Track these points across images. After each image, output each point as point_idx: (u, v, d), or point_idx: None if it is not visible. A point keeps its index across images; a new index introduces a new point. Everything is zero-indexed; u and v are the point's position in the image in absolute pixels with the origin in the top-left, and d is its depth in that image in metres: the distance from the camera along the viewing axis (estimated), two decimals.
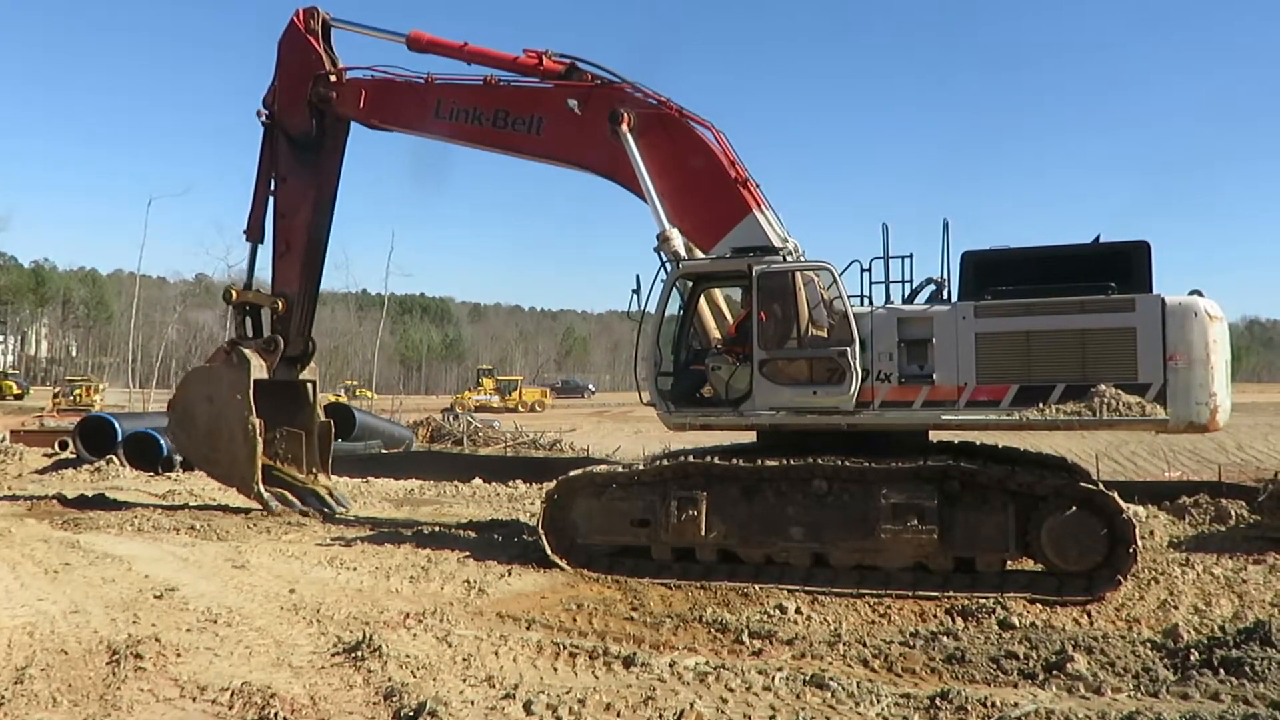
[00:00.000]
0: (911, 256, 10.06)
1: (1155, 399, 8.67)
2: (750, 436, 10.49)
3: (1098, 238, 9.58)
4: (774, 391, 9.60)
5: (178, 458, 20.90)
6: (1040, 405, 8.93)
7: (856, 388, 9.30)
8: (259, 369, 13.36)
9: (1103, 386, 8.74)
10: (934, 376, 9.22)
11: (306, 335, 14.20)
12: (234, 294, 14.21)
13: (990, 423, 9.25)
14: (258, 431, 13.17)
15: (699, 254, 10.71)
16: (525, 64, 12.17)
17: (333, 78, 13.23)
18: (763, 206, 10.73)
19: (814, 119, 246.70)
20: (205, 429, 13.66)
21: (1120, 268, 8.91)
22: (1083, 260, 9.17)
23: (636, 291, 10.26)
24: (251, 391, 13.18)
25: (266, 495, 13.43)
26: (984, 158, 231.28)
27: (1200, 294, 8.89)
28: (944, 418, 9.27)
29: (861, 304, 9.78)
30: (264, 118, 13.71)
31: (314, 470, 14.39)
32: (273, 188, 13.87)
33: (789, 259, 10.13)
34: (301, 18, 13.51)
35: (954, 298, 9.63)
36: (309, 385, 14.52)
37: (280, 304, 13.79)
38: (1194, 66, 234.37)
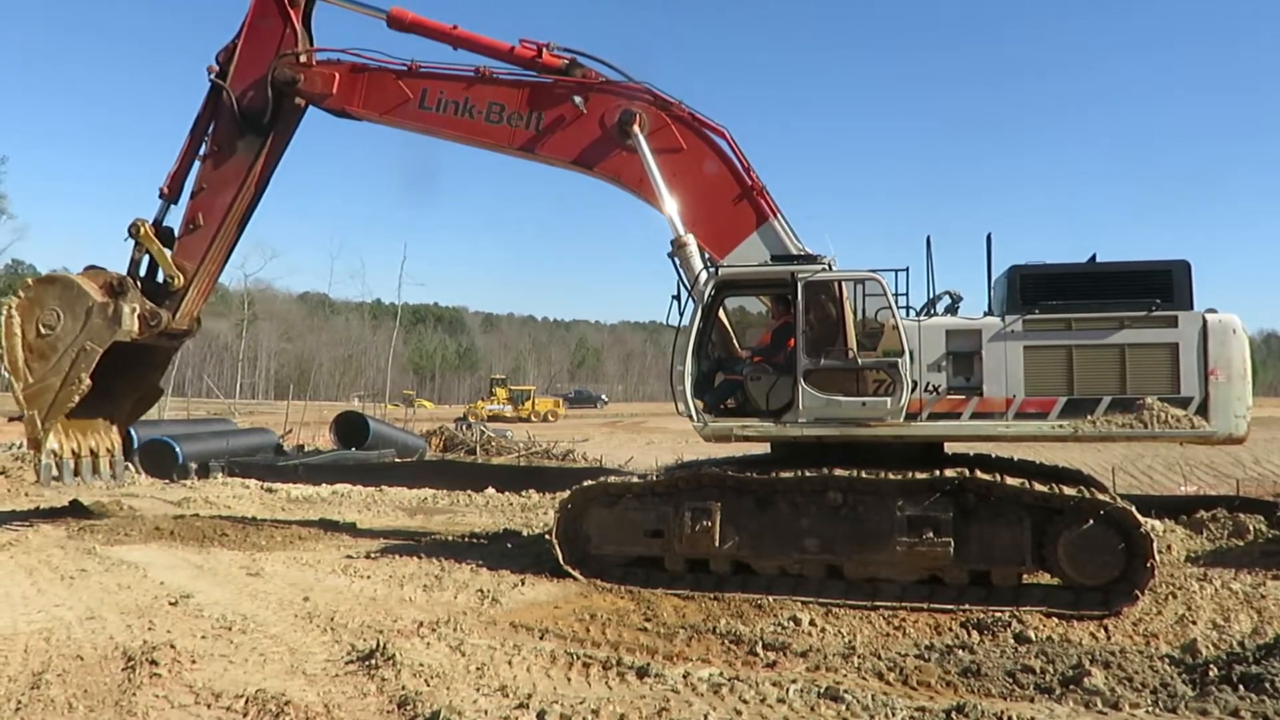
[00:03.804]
0: (933, 270, 10.13)
1: (1197, 412, 8.93)
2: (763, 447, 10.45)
3: (1093, 257, 9.71)
4: (821, 402, 9.51)
5: (192, 465, 21.06)
6: (1089, 417, 9.09)
7: (907, 399, 9.30)
8: (126, 335, 12.18)
9: (1150, 400, 8.96)
10: (983, 389, 9.28)
11: (195, 317, 13.15)
12: (142, 229, 12.64)
13: (1041, 434, 9.31)
14: (80, 390, 12.03)
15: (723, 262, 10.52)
16: (522, 56, 11.46)
17: (301, 58, 12.16)
18: (778, 214, 10.62)
19: (805, 127, 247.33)
20: (40, 341, 12.21)
21: (1162, 285, 9.15)
22: (1127, 277, 9.36)
23: (677, 297, 10.16)
24: (104, 350, 12.10)
25: (47, 458, 12.27)
26: (984, 169, 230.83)
27: (1214, 311, 9.07)
28: (996, 429, 9.33)
29: (907, 315, 9.71)
30: (213, 75, 12.42)
31: (112, 433, 13.35)
32: (202, 153, 12.61)
33: (832, 268, 9.94)
34: None
35: (993, 310, 9.69)
36: (169, 355, 13.86)
37: (177, 278, 12.51)
38: (1208, 80, 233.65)
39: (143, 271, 12.87)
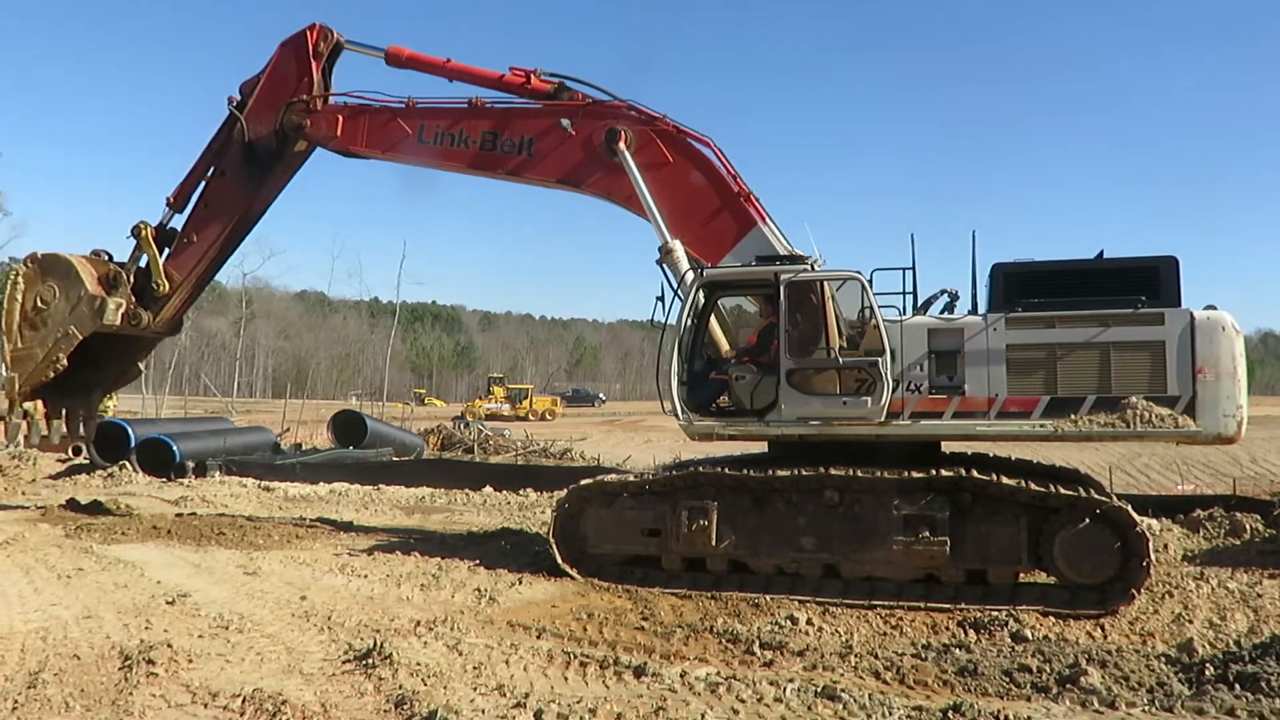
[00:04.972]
0: (916, 269, 10.11)
1: (1184, 411, 8.79)
2: (761, 446, 10.46)
3: (1101, 254, 9.64)
4: (802, 401, 9.53)
5: (189, 464, 21.04)
6: (1072, 416, 9.00)
7: (888, 399, 9.29)
8: (107, 327, 12.85)
9: (1134, 399, 8.85)
10: (965, 388, 9.25)
11: (175, 322, 13.86)
12: (144, 232, 13.18)
13: (1023, 434, 9.25)
14: (56, 368, 12.84)
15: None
16: (511, 83, 11.91)
17: (310, 105, 12.61)
18: (766, 220, 10.69)
19: (800, 127, 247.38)
20: (35, 313, 12.94)
21: (1149, 282, 9.03)
22: (1112, 274, 9.27)
23: (661, 299, 10.22)
24: (84, 337, 12.80)
25: (18, 418, 13.19)
26: (984, 170, 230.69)
27: (1214, 308, 8.98)
28: (977, 429, 9.29)
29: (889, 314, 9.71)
30: (233, 105, 12.97)
31: (87, 401, 14.05)
32: (210, 172, 13.19)
33: (816, 268, 10.00)
34: (315, 35, 12.74)
35: (978, 309, 9.66)
36: (152, 345, 14.70)
37: (163, 286, 13.16)
38: (1207, 81, 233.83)
39: (143, 264, 13.41)
